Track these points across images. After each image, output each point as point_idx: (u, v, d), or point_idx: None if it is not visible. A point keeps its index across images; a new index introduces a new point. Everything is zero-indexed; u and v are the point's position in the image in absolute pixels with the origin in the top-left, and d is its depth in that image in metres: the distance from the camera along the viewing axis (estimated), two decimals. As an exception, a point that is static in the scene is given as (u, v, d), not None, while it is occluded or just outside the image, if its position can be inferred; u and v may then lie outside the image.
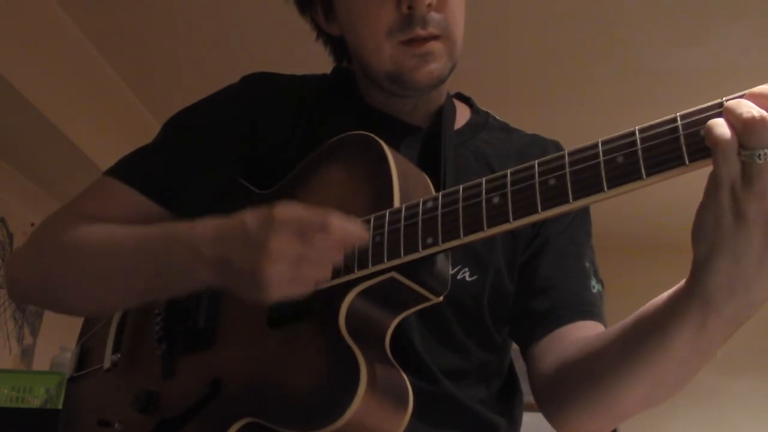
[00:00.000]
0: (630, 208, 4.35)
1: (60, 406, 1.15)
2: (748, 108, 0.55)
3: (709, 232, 0.59)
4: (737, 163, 0.55)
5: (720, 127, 0.55)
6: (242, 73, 1.05)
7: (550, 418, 0.88)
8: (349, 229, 0.70)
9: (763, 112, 0.54)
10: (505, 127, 1.06)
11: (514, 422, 0.98)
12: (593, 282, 0.95)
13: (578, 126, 3.55)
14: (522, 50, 3.21)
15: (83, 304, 0.94)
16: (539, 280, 0.94)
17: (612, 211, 4.32)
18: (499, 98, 3.41)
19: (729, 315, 0.63)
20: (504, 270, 0.94)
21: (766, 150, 0.54)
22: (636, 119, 0.62)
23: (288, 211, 0.69)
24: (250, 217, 0.71)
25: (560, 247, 0.96)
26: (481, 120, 1.06)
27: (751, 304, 0.61)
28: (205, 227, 0.76)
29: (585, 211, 1.01)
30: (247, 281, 0.70)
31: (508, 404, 0.98)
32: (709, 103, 0.58)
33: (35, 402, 2.34)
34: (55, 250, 0.90)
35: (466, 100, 1.09)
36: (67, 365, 1.15)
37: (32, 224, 3.38)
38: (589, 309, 0.92)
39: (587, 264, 0.97)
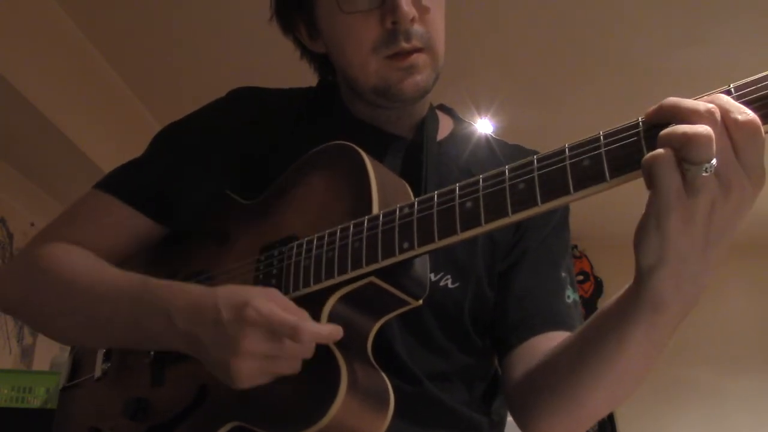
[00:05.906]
0: (633, 208, 4.34)
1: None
2: (690, 126, 0.55)
3: (655, 244, 0.60)
4: (678, 175, 0.56)
5: (656, 151, 0.56)
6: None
7: (520, 424, 0.90)
8: (321, 333, 0.72)
9: (708, 128, 0.54)
10: (487, 138, 1.08)
11: (498, 421, 0.99)
12: (569, 292, 0.97)
13: (577, 125, 3.54)
14: (521, 50, 3.21)
15: (62, 338, 0.98)
16: (515, 290, 0.96)
17: (614, 211, 4.32)
18: (499, 98, 3.41)
19: (678, 309, 0.66)
20: (484, 278, 0.96)
21: (711, 163, 0.54)
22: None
23: (261, 309, 0.70)
24: (222, 302, 0.73)
25: (537, 257, 0.98)
26: (463, 130, 1.08)
27: (698, 291, 0.64)
28: (181, 296, 0.78)
29: (563, 223, 1.03)
30: (219, 369, 0.73)
31: (492, 405, 0.99)
32: None
33: (35, 402, 2.34)
34: (40, 283, 0.92)
35: (449, 111, 1.12)
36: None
37: (32, 224, 3.39)
38: (561, 319, 0.94)
39: (563, 274, 0.98)
